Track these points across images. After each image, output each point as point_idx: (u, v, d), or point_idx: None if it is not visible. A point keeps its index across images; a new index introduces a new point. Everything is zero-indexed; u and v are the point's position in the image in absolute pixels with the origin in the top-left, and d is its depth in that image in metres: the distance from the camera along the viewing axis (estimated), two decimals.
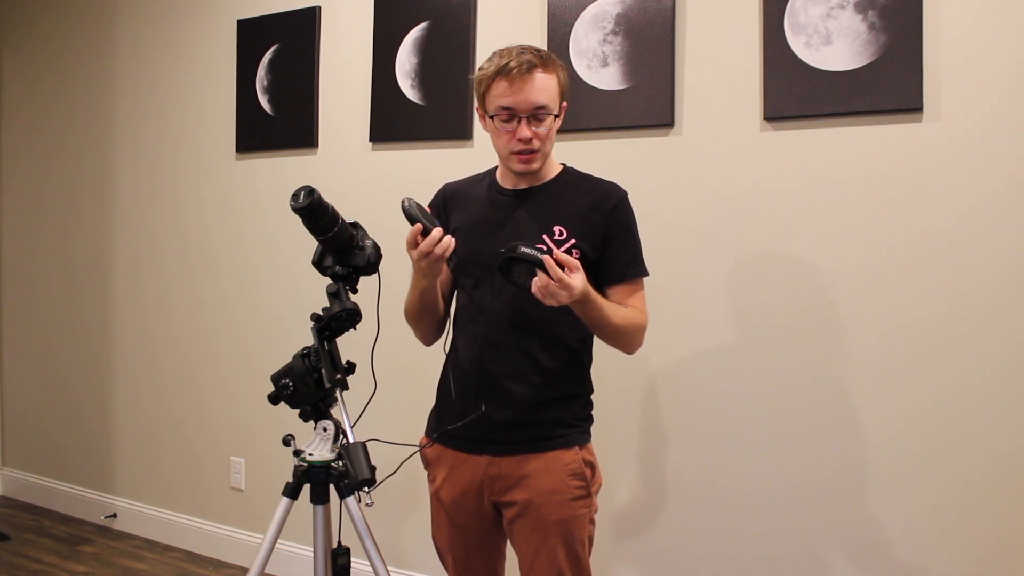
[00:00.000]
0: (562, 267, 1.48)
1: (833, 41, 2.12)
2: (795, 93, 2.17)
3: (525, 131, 1.64)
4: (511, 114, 1.64)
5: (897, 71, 2.05)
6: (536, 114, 1.64)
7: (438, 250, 1.57)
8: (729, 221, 2.28)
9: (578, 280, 1.50)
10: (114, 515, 3.59)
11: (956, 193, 2.02)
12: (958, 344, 2.02)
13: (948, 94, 2.02)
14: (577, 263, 1.51)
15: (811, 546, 2.19)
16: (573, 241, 1.68)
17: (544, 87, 1.64)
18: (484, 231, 1.73)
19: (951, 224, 2.03)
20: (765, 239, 2.24)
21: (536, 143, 1.65)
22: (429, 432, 1.83)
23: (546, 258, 1.48)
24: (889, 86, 2.06)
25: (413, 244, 1.58)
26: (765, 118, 2.22)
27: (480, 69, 1.69)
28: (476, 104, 1.73)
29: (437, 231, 1.57)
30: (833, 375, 2.16)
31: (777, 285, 2.23)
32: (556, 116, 1.68)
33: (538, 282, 1.50)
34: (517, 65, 1.61)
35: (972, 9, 2.00)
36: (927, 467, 2.05)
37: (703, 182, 2.32)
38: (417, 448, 1.80)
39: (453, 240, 1.59)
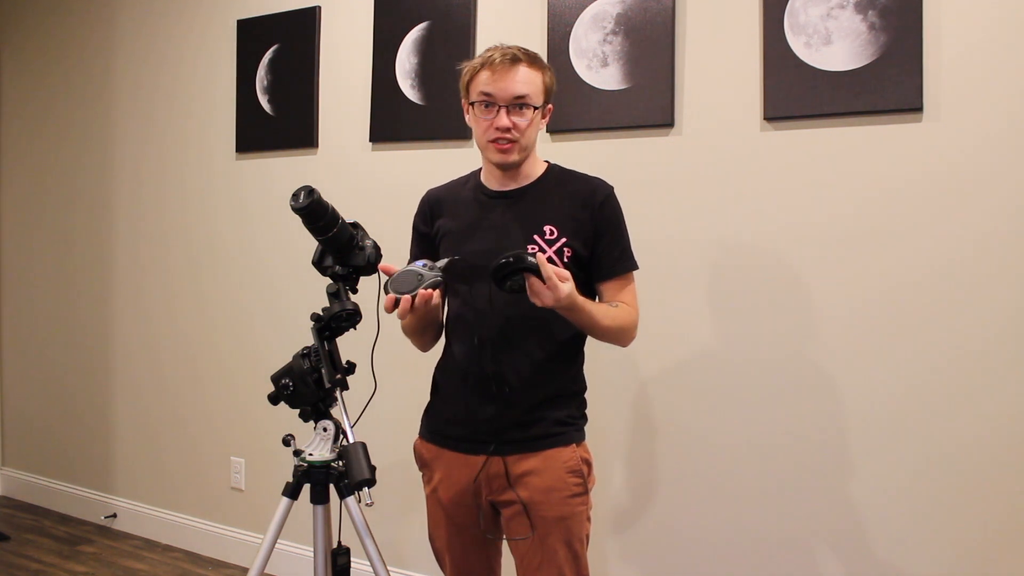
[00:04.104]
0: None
1: (833, 41, 2.12)
2: (795, 93, 2.17)
3: (504, 120, 1.65)
4: (492, 101, 1.66)
5: (897, 71, 2.05)
6: (516, 103, 1.65)
7: (419, 304, 1.55)
8: (729, 221, 2.28)
9: (566, 287, 1.50)
10: (114, 515, 3.59)
11: (956, 193, 2.02)
12: (957, 344, 2.02)
13: (948, 94, 2.02)
14: (567, 274, 1.53)
15: (801, 539, 2.19)
16: (564, 240, 1.68)
17: (526, 79, 1.66)
18: (474, 234, 1.73)
19: (950, 223, 2.02)
20: (764, 239, 2.24)
21: (515, 133, 1.66)
22: (423, 433, 1.83)
23: (542, 265, 1.48)
24: (889, 86, 2.06)
25: (392, 308, 1.57)
26: (765, 118, 2.22)
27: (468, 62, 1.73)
28: (462, 95, 1.74)
29: (407, 298, 1.55)
30: (830, 375, 2.16)
31: (776, 284, 2.23)
32: (537, 109, 1.68)
33: (532, 286, 1.51)
34: (501, 56, 1.65)
35: (972, 9, 2.00)
36: (918, 462, 2.05)
37: (703, 182, 2.32)
38: (417, 460, 1.80)
39: (433, 291, 1.57)
